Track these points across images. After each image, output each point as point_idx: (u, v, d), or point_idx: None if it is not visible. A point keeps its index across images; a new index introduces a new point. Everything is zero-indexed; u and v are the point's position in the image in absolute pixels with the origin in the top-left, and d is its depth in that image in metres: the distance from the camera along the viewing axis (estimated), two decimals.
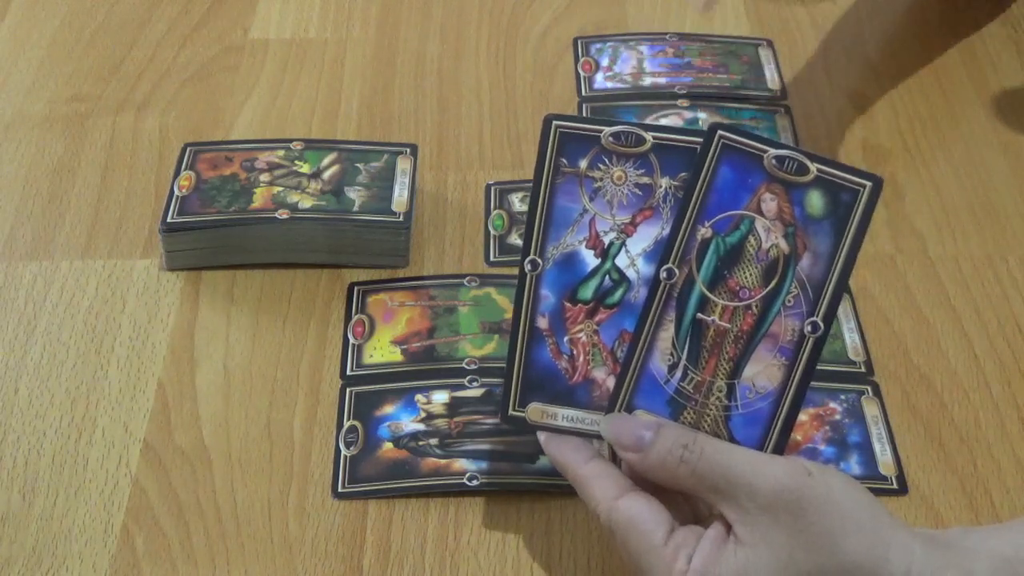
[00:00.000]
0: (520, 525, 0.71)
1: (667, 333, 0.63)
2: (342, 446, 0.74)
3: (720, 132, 0.62)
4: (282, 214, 0.83)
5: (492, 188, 0.90)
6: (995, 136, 0.95)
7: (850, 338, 0.80)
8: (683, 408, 0.63)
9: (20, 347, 0.79)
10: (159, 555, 0.69)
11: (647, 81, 0.98)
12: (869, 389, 0.77)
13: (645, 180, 0.64)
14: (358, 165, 0.87)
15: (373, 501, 0.72)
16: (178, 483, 0.72)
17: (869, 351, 0.79)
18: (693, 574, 0.59)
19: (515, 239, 0.86)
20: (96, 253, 0.85)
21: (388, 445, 0.74)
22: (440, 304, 0.82)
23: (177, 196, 0.84)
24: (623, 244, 0.64)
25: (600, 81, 0.98)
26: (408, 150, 0.88)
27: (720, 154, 0.62)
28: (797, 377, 0.62)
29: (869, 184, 0.61)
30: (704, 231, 0.63)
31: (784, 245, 0.62)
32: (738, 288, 0.63)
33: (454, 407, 0.76)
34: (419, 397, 0.76)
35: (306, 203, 0.84)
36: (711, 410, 0.63)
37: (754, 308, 0.62)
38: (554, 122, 0.64)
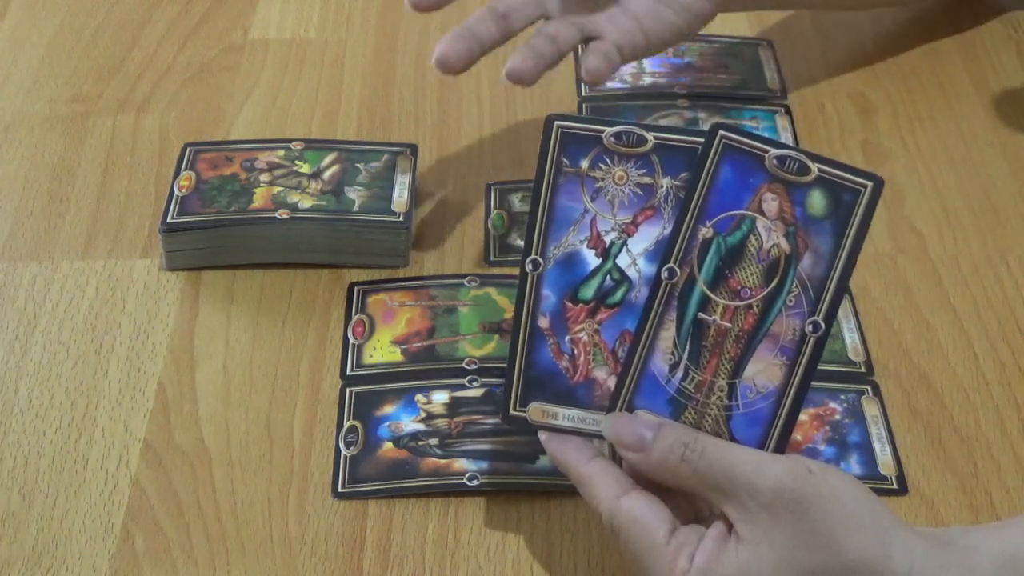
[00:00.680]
0: (520, 525, 0.71)
1: (668, 333, 0.63)
2: (342, 446, 0.74)
3: (722, 132, 0.62)
4: (282, 214, 0.83)
5: (492, 188, 0.90)
6: (995, 136, 0.95)
7: (850, 338, 0.80)
8: (684, 408, 0.63)
9: (20, 347, 0.79)
10: (159, 555, 0.69)
11: (647, 81, 0.98)
12: (869, 389, 0.77)
13: (647, 180, 0.64)
14: (358, 165, 0.87)
15: (373, 501, 0.72)
16: (178, 483, 0.72)
17: (869, 351, 0.79)
18: (696, 572, 0.59)
19: (515, 239, 0.86)
20: (96, 253, 0.85)
21: (388, 445, 0.74)
22: (440, 304, 0.82)
23: (177, 196, 0.84)
24: (624, 244, 0.64)
25: None
26: (408, 150, 0.88)
27: (721, 154, 0.62)
28: (798, 377, 0.62)
29: (870, 184, 0.61)
30: (705, 231, 0.63)
31: (785, 245, 0.62)
32: (739, 288, 0.63)
33: (454, 407, 0.76)
34: (419, 397, 0.76)
35: (306, 203, 0.84)
36: (712, 410, 0.63)
37: (755, 308, 0.62)
38: (556, 122, 0.64)
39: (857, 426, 0.75)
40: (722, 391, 0.63)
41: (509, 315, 0.80)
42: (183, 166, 0.87)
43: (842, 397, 0.76)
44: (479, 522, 0.71)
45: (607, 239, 0.65)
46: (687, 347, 0.63)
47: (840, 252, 0.61)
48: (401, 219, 0.83)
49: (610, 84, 0.98)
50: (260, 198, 0.84)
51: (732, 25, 1.04)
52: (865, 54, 1.02)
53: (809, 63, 1.01)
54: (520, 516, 0.71)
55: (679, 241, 0.63)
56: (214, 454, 0.74)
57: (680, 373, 0.63)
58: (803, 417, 0.75)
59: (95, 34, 1.04)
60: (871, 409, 0.76)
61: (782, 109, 0.96)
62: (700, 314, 0.63)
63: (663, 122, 0.93)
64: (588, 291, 0.65)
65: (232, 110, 0.96)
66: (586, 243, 0.65)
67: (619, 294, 0.65)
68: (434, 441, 0.74)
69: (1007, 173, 0.92)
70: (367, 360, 0.78)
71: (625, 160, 0.64)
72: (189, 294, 0.83)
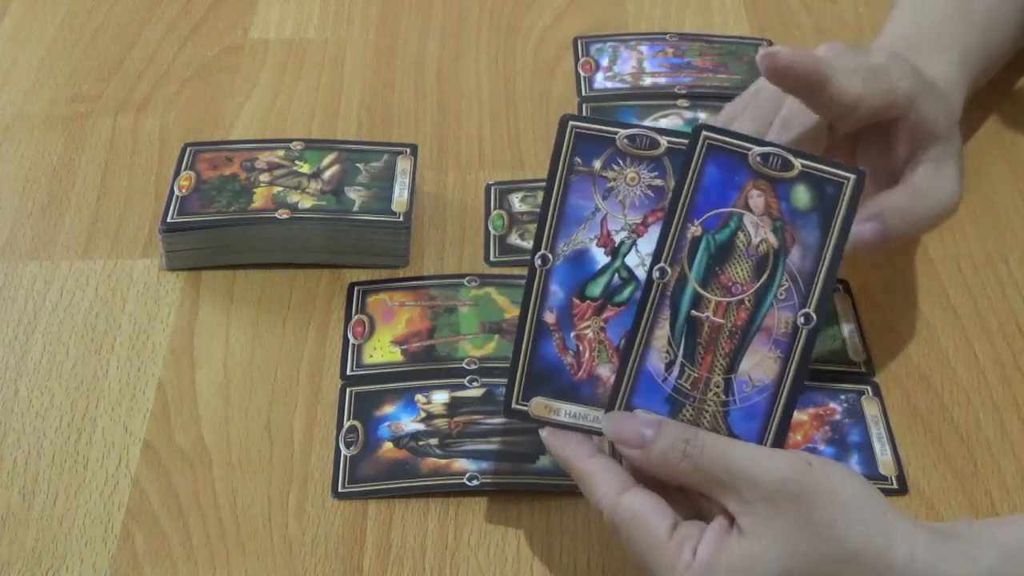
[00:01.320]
0: (520, 525, 0.71)
1: (663, 332, 0.64)
2: (342, 446, 0.74)
3: (705, 132, 0.63)
4: (282, 214, 0.83)
5: (492, 188, 0.90)
6: (995, 136, 0.95)
7: (850, 338, 0.80)
8: (682, 405, 0.63)
9: (20, 347, 0.79)
10: (159, 555, 0.69)
11: (647, 81, 0.98)
12: (869, 389, 0.77)
13: (658, 183, 0.65)
14: (358, 165, 0.87)
15: (373, 501, 0.72)
16: (178, 483, 0.72)
17: (869, 351, 0.79)
18: (699, 566, 0.59)
19: (515, 239, 0.86)
20: (96, 253, 0.85)
21: (388, 445, 0.74)
22: (440, 304, 0.82)
23: (177, 196, 0.84)
24: (634, 244, 0.65)
25: (600, 81, 0.98)
26: (408, 150, 0.88)
27: (706, 154, 0.63)
28: (793, 369, 0.63)
29: (853, 176, 0.62)
30: (694, 229, 0.63)
31: (773, 239, 0.63)
32: (730, 284, 0.63)
33: (454, 407, 0.76)
34: (419, 397, 0.76)
35: (306, 203, 0.84)
36: (709, 406, 0.63)
37: (747, 303, 0.63)
38: (570, 123, 0.65)
39: (857, 426, 0.75)
40: (718, 387, 0.63)
41: (509, 315, 0.80)
42: (183, 166, 0.87)
43: (842, 397, 0.76)
44: (479, 522, 0.71)
45: (617, 239, 0.65)
46: (682, 345, 0.63)
47: (827, 243, 0.62)
48: (401, 219, 0.83)
49: (610, 84, 0.98)
50: (260, 198, 0.84)
51: (732, 25, 1.04)
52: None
53: None
54: (520, 516, 0.71)
55: (669, 241, 0.63)
56: (214, 454, 0.74)
57: (676, 371, 0.63)
58: (803, 417, 0.75)
59: (95, 34, 1.04)
60: (871, 409, 0.76)
61: None
62: (693, 312, 0.63)
63: (663, 122, 0.94)
64: (596, 289, 0.65)
65: (232, 110, 0.96)
66: (596, 241, 0.65)
67: (626, 293, 0.65)
68: (434, 441, 0.74)
69: (1007, 174, 0.92)
70: (367, 360, 0.78)
71: (637, 162, 0.65)
72: (189, 294, 0.83)
